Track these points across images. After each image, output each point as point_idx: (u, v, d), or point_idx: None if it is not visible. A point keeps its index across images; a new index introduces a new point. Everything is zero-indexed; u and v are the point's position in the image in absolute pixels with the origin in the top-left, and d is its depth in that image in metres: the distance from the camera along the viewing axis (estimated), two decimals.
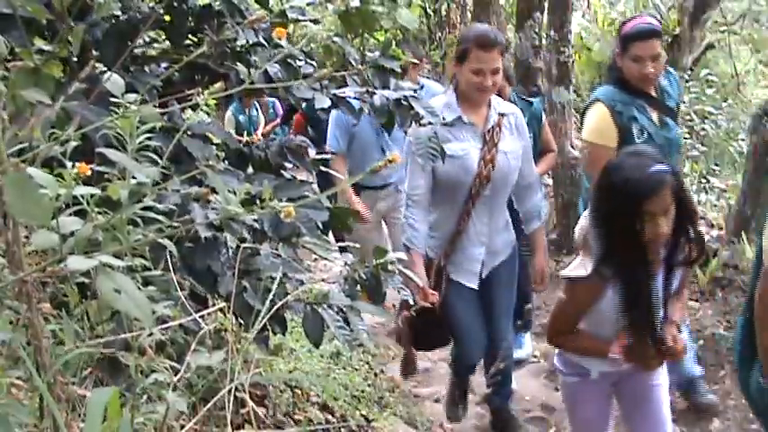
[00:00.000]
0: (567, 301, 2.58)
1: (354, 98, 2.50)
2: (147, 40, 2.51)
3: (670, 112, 3.68)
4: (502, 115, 3.37)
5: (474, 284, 3.45)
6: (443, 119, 2.90)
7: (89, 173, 1.27)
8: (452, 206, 3.33)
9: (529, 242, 3.77)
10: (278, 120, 9.59)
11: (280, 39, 2.33)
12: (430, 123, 2.59)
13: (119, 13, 2.23)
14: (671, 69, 3.90)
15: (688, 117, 7.08)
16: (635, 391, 2.74)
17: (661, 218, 2.31)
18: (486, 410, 4.10)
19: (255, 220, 1.99)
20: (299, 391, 3.31)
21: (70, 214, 1.23)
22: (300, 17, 2.46)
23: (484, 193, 3.31)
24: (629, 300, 2.42)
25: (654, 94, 3.64)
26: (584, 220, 2.59)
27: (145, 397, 1.57)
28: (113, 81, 1.28)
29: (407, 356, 3.78)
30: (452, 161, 3.14)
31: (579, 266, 2.51)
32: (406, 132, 3.48)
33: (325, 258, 2.53)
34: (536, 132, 4.34)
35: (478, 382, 4.44)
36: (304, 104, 2.52)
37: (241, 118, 8.78)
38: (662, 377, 2.74)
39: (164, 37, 2.52)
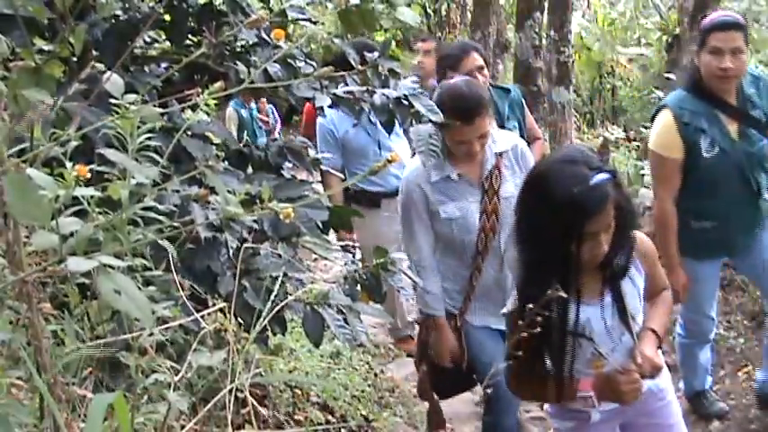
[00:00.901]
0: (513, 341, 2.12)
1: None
2: (148, 40, 2.51)
3: (755, 123, 3.24)
4: (500, 155, 3.00)
5: (501, 326, 3.04)
6: (430, 178, 2.89)
7: (88, 175, 1.28)
8: (461, 263, 3.03)
9: None
10: (278, 125, 9.56)
11: (279, 40, 2.33)
12: (430, 121, 2.59)
13: (119, 12, 2.24)
14: (762, 75, 3.58)
15: None
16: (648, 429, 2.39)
17: (602, 235, 1.98)
18: None
19: (255, 221, 1.99)
20: (299, 391, 3.31)
21: (71, 215, 1.23)
22: (300, 16, 2.46)
23: (493, 246, 2.98)
24: (558, 335, 2.08)
25: (734, 101, 3.25)
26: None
27: (145, 397, 1.58)
28: (113, 81, 1.28)
29: (431, 408, 3.46)
30: (450, 223, 2.94)
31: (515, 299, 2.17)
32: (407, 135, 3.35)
33: (326, 258, 2.53)
34: (520, 121, 4.13)
35: None
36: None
37: (243, 113, 8.67)
38: (674, 413, 2.40)
39: (164, 37, 2.52)
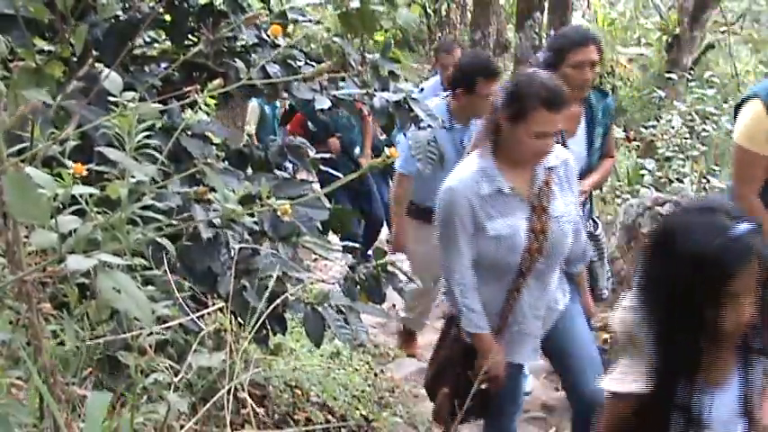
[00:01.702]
0: (610, 422, 1.88)
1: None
2: (148, 40, 2.52)
3: None
4: (550, 169, 2.74)
5: (535, 359, 2.98)
6: (480, 190, 2.62)
7: (85, 173, 1.27)
8: (499, 285, 2.77)
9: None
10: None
11: (276, 37, 2.33)
12: (429, 126, 2.59)
13: (119, 12, 2.24)
14: None
15: (689, 117, 7.08)
16: None
17: (746, 299, 1.66)
18: None
19: (255, 221, 1.99)
20: (299, 391, 3.31)
21: (69, 214, 1.23)
22: (300, 17, 2.46)
23: (537, 268, 2.74)
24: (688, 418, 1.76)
25: None
26: (624, 310, 1.88)
27: (145, 397, 1.57)
28: (112, 80, 1.28)
29: None
30: (497, 242, 2.67)
31: (624, 376, 1.83)
32: None
33: (326, 258, 2.54)
34: (605, 130, 3.77)
35: None
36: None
37: (266, 108, 8.36)
38: None
39: (164, 37, 2.52)
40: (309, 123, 5.78)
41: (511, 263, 2.70)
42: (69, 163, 1.30)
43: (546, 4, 6.98)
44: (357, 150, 5.96)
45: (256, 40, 2.40)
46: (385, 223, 6.36)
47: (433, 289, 4.29)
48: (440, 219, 2.73)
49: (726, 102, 7.94)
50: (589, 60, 3.29)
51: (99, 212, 1.33)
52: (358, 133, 6.04)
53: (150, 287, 1.57)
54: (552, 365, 3.20)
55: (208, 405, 1.38)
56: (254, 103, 7.27)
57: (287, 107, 6.13)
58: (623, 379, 1.82)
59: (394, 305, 5.69)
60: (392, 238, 4.63)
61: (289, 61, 2.38)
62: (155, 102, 1.70)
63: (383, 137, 6.17)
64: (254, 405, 2.21)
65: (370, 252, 5.98)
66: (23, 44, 1.55)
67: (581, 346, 2.98)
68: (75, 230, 1.17)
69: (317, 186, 4.43)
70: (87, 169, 1.30)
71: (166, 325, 1.51)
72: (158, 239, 1.39)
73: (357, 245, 4.50)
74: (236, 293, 1.88)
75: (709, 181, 6.69)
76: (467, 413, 2.98)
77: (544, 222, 2.70)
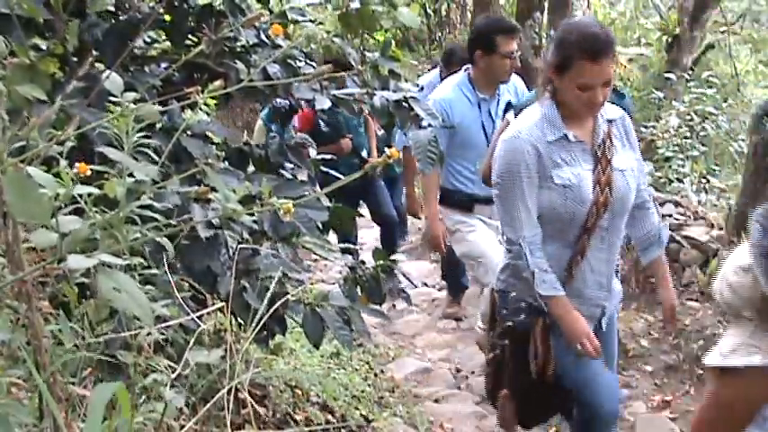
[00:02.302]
0: (727, 402, 1.67)
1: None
2: (148, 40, 2.52)
3: None
4: (610, 122, 2.65)
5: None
6: (545, 137, 2.52)
7: (88, 172, 1.28)
8: (562, 244, 2.62)
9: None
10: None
11: (277, 37, 2.33)
12: (429, 126, 2.58)
13: (113, 9, 2.23)
14: None
15: (688, 117, 7.08)
16: None
17: None
18: (486, 411, 4.10)
19: (255, 221, 1.99)
20: (299, 391, 3.31)
21: (68, 213, 1.23)
22: (300, 18, 2.46)
23: (601, 225, 2.59)
24: None
25: None
26: (736, 272, 1.66)
27: (144, 396, 1.58)
28: (112, 80, 1.29)
29: None
30: (564, 191, 2.52)
31: (743, 347, 1.60)
32: None
33: (325, 258, 2.54)
34: None
35: (479, 381, 4.44)
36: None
37: (273, 127, 8.15)
38: None
39: (164, 37, 2.52)
40: (321, 123, 5.69)
41: (576, 216, 2.56)
42: (63, 162, 1.30)
43: (546, 4, 6.99)
44: (365, 153, 5.89)
45: (256, 41, 2.40)
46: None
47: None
48: (501, 171, 2.58)
49: (725, 101, 7.95)
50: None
51: (98, 212, 1.33)
52: (365, 135, 6.00)
53: (150, 287, 1.57)
54: None
55: (208, 405, 1.38)
56: (259, 123, 7.12)
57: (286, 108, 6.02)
58: (739, 351, 1.59)
59: (394, 305, 5.70)
60: (428, 232, 4.38)
61: (289, 61, 2.38)
62: (155, 102, 1.70)
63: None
64: (254, 405, 2.21)
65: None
66: (17, 41, 1.55)
67: (610, 357, 2.81)
68: (74, 230, 1.17)
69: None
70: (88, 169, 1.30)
71: (165, 324, 1.51)
72: (157, 239, 1.39)
73: (352, 245, 4.46)
74: (236, 294, 1.88)
75: (708, 181, 6.70)
76: (543, 412, 2.87)
77: (609, 174, 2.58)
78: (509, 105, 3.36)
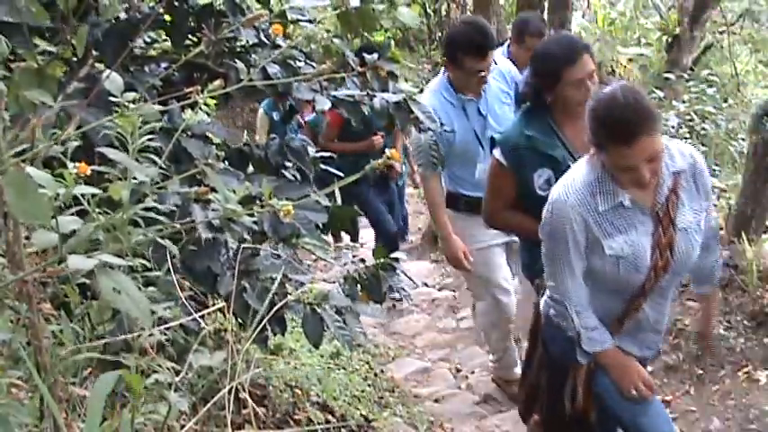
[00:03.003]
0: None
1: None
2: (148, 40, 2.52)
3: None
4: (677, 174, 2.38)
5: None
6: (597, 205, 2.31)
7: (89, 173, 1.28)
8: (615, 299, 2.48)
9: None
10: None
11: (277, 36, 2.33)
12: (429, 129, 2.58)
13: (122, 14, 2.24)
14: None
15: (688, 117, 7.08)
16: None
17: None
18: (486, 411, 4.11)
19: (255, 222, 1.99)
20: (299, 391, 3.31)
21: (72, 214, 1.23)
22: (300, 18, 2.46)
23: (660, 285, 2.43)
24: None
25: None
26: None
27: (145, 397, 1.58)
28: (112, 80, 1.29)
29: None
30: (617, 261, 2.36)
31: None
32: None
33: (325, 259, 2.54)
34: None
35: (479, 381, 4.45)
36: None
37: (275, 115, 7.85)
38: None
39: (164, 37, 2.52)
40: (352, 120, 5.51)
41: (632, 281, 2.40)
42: (71, 164, 1.30)
43: (546, 4, 6.98)
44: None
45: (256, 41, 2.40)
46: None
47: (500, 304, 3.92)
48: (548, 234, 2.43)
49: (725, 101, 7.95)
50: (587, 73, 2.85)
51: (100, 213, 1.33)
52: (389, 133, 5.78)
53: (151, 288, 1.57)
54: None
55: (209, 405, 1.38)
56: (261, 113, 6.88)
57: (287, 107, 5.94)
58: None
59: (394, 305, 5.70)
60: (445, 250, 3.95)
61: (288, 61, 2.38)
62: (155, 102, 1.70)
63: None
64: (254, 405, 2.22)
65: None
66: (25, 45, 1.55)
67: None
68: (76, 231, 1.17)
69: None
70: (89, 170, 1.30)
71: (166, 325, 1.51)
72: (160, 240, 1.39)
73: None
74: (236, 294, 1.88)
75: None
76: None
77: (670, 236, 2.37)
78: (493, 141, 3.10)
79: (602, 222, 2.34)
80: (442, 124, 3.40)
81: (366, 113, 5.03)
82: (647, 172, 2.22)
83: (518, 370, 4.09)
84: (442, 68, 3.83)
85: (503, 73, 3.83)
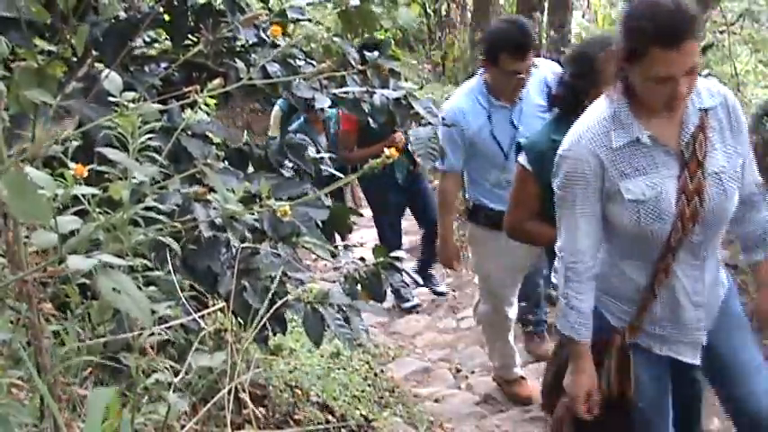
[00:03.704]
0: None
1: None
2: (148, 40, 2.52)
3: None
4: (706, 112, 2.15)
5: (696, 359, 2.31)
6: (611, 143, 2.10)
7: (86, 174, 1.27)
8: (640, 262, 2.22)
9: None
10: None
11: (276, 37, 2.33)
12: (429, 124, 2.58)
13: (121, 13, 2.24)
14: None
15: None
16: None
17: None
18: (486, 411, 4.10)
19: (256, 220, 1.99)
20: (299, 391, 3.31)
21: (72, 214, 1.23)
22: (300, 17, 2.46)
23: (690, 240, 2.16)
24: None
25: None
26: None
27: (146, 397, 1.58)
28: (111, 79, 1.28)
29: None
30: (636, 208, 2.12)
31: None
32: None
33: (325, 258, 2.54)
34: None
35: (479, 381, 4.44)
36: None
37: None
38: None
39: (164, 36, 2.52)
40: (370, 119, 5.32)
41: (656, 233, 2.13)
42: (72, 164, 1.30)
43: (546, 4, 6.99)
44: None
45: (256, 40, 2.40)
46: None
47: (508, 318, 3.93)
48: (558, 180, 2.20)
49: None
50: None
51: (101, 213, 1.33)
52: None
53: (152, 287, 1.57)
54: (708, 381, 2.50)
55: (209, 405, 1.38)
56: (276, 109, 6.71)
57: (287, 108, 5.89)
58: None
59: (394, 305, 5.70)
60: (440, 251, 3.94)
61: (288, 60, 2.38)
62: (155, 102, 1.70)
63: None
64: (254, 405, 2.22)
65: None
66: (24, 44, 1.55)
67: (746, 356, 2.37)
68: (77, 231, 1.17)
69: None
70: (89, 170, 1.30)
71: (166, 325, 1.51)
72: (161, 239, 1.39)
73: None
74: (236, 294, 1.88)
75: None
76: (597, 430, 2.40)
77: (699, 180, 2.11)
78: (519, 146, 2.95)
79: (618, 161, 2.11)
80: (462, 131, 3.41)
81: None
82: (685, 86, 2.00)
83: (518, 370, 4.11)
84: (480, 69, 3.64)
85: (545, 81, 3.50)
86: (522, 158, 2.88)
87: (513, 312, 3.96)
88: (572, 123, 2.54)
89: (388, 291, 2.54)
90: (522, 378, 4.16)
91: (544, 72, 3.54)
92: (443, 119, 3.31)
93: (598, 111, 2.17)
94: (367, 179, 5.33)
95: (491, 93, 3.51)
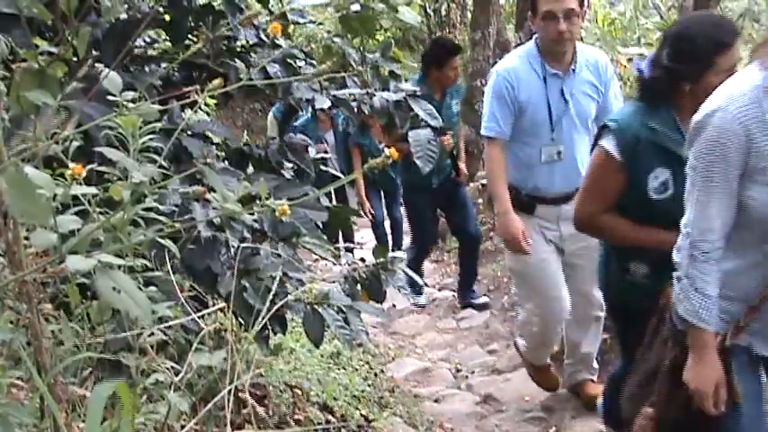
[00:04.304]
0: None
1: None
2: (148, 40, 2.52)
3: None
4: None
5: None
6: (764, 113, 1.88)
7: (84, 174, 1.28)
8: (761, 255, 2.00)
9: None
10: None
11: (275, 35, 2.33)
12: (429, 126, 2.58)
13: (122, 14, 2.24)
14: None
15: None
16: None
17: None
18: (486, 411, 4.10)
19: (255, 220, 1.99)
20: (299, 391, 3.31)
21: (72, 214, 1.23)
22: (300, 19, 2.47)
23: None
24: None
25: None
26: None
27: (145, 397, 1.58)
28: (111, 79, 1.28)
29: None
30: None
31: None
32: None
33: (325, 258, 2.54)
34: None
35: (479, 381, 4.45)
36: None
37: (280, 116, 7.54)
38: None
39: (164, 36, 2.52)
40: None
41: None
42: (72, 164, 1.30)
43: None
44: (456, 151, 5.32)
45: (256, 40, 2.41)
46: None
47: (553, 306, 3.47)
48: (694, 149, 1.97)
49: None
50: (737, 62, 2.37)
51: (101, 213, 1.33)
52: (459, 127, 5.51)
53: (152, 288, 1.57)
54: None
55: (209, 405, 1.38)
56: (270, 117, 6.69)
57: (286, 108, 5.86)
58: None
59: (394, 305, 5.70)
60: (501, 226, 3.42)
61: (289, 61, 2.38)
62: (155, 102, 1.70)
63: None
64: (254, 405, 2.22)
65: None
66: (25, 43, 1.55)
67: None
68: (77, 231, 1.17)
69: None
70: (89, 169, 1.30)
71: (166, 324, 1.51)
72: (160, 240, 1.39)
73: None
74: (236, 294, 1.88)
75: None
76: None
77: None
78: (602, 129, 2.60)
79: (763, 134, 1.88)
80: (507, 97, 3.19)
81: (441, 115, 4.56)
82: None
83: (548, 360, 3.82)
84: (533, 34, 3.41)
85: (597, 64, 3.35)
86: (609, 143, 2.51)
87: (563, 311, 3.48)
88: (669, 111, 2.43)
89: (388, 290, 2.53)
90: (550, 365, 3.88)
91: (598, 55, 3.40)
92: (496, 78, 3.26)
93: (748, 78, 1.95)
94: (407, 187, 5.36)
95: (545, 57, 3.29)
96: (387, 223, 6.52)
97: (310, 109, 2.44)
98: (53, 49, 1.20)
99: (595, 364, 3.81)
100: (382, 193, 6.40)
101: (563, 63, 3.28)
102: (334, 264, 2.50)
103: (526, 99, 3.29)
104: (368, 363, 4.36)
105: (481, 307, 5.54)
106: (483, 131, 3.37)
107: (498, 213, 3.39)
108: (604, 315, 3.49)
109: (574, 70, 3.29)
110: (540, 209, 3.39)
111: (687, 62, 2.34)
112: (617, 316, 2.90)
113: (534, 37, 3.35)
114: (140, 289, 1.22)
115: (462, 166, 5.43)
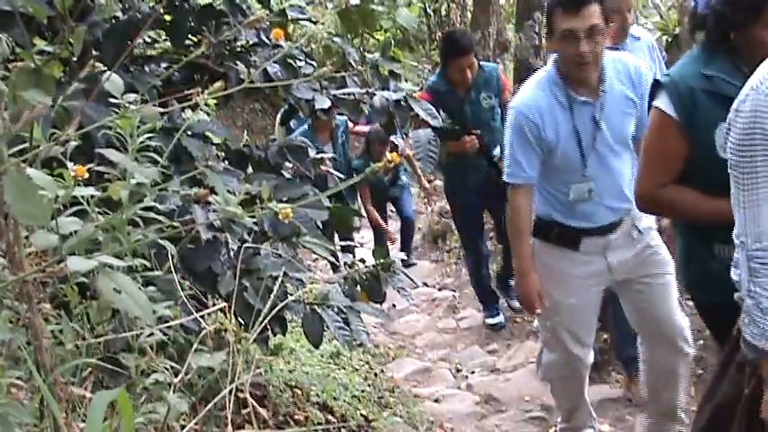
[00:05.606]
0: None
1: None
2: (148, 40, 2.52)
3: None
4: None
5: None
6: None
7: (86, 175, 1.28)
8: None
9: None
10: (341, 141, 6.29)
11: (278, 40, 2.33)
12: (429, 126, 2.58)
13: (119, 14, 2.24)
14: None
15: None
16: None
17: None
18: (486, 411, 4.10)
19: (255, 221, 1.99)
20: (299, 391, 3.31)
21: (71, 215, 1.23)
22: (300, 16, 2.47)
23: None
24: None
25: None
26: None
27: (145, 397, 1.58)
28: (112, 81, 1.29)
29: None
30: None
31: None
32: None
33: (325, 258, 2.54)
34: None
35: (479, 381, 4.45)
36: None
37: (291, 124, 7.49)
38: None
39: (164, 37, 2.52)
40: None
41: None
42: (70, 165, 1.30)
43: (546, 4, 6.98)
44: (497, 151, 4.66)
45: (257, 41, 2.41)
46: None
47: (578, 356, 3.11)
48: (733, 139, 1.66)
49: None
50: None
51: (100, 213, 1.33)
52: (500, 129, 4.92)
53: (151, 288, 1.57)
54: None
55: (209, 405, 1.38)
56: (278, 121, 6.59)
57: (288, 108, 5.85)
58: None
59: (394, 305, 5.70)
60: (518, 287, 3.11)
61: (289, 61, 2.38)
62: (155, 104, 1.70)
63: None
64: (254, 405, 2.22)
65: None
66: (22, 42, 1.55)
67: None
68: (76, 231, 1.17)
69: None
70: (89, 170, 1.30)
71: (166, 324, 1.51)
72: (160, 241, 1.39)
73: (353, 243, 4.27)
74: (237, 294, 1.89)
75: None
76: None
77: None
78: (656, 86, 2.26)
79: None
80: (536, 139, 2.78)
81: (466, 111, 4.27)
82: None
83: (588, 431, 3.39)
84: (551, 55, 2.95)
85: (629, 73, 2.86)
86: (663, 101, 2.18)
87: (589, 358, 3.18)
88: (724, 56, 2.09)
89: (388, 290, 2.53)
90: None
91: (628, 59, 2.94)
92: (516, 116, 2.81)
93: None
94: (452, 187, 5.12)
95: (568, 83, 2.80)
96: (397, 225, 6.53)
97: (309, 121, 2.44)
98: (50, 49, 1.20)
99: (684, 416, 3.16)
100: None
101: (590, 86, 2.79)
102: (335, 265, 2.49)
103: (554, 137, 2.83)
104: (368, 363, 4.36)
105: (518, 309, 5.14)
106: (506, 178, 2.96)
107: (517, 271, 3.05)
108: (693, 352, 3.08)
109: (604, 91, 2.80)
110: (585, 241, 2.95)
111: (735, 8, 2.05)
112: (709, 318, 2.48)
113: (553, 58, 2.88)
114: (140, 289, 1.22)
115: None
